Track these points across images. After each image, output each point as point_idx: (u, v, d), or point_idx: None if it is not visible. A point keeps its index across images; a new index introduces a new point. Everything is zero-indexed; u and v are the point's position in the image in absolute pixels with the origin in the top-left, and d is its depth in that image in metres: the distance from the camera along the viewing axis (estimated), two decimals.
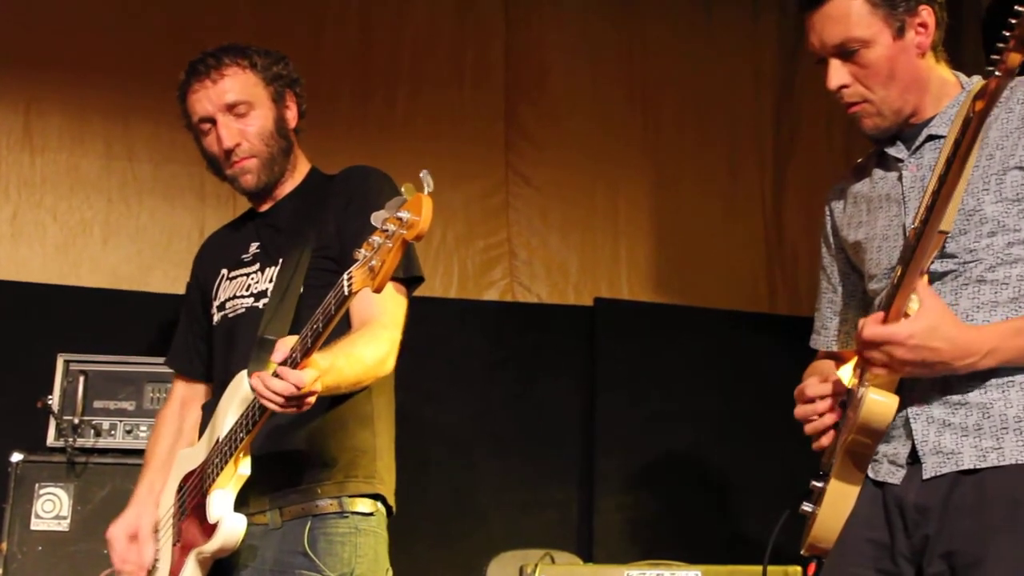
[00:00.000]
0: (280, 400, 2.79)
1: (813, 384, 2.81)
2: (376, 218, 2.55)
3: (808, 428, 2.81)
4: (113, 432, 4.50)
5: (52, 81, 5.36)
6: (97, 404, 4.53)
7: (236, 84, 3.35)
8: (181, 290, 5.03)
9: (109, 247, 5.33)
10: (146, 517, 3.40)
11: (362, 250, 2.60)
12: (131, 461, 4.36)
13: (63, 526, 4.38)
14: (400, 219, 2.48)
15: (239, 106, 3.34)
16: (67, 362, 4.55)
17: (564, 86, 5.90)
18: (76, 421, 4.46)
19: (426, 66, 5.78)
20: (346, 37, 5.71)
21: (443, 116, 5.75)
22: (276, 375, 2.80)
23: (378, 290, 2.60)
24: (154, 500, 3.43)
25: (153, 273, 5.28)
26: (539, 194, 5.80)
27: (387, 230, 2.51)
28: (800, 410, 2.83)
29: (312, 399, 2.84)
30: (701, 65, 6.01)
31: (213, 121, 3.35)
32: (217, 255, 3.59)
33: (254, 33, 5.29)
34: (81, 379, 4.51)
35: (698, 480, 5.50)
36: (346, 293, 2.67)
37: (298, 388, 2.77)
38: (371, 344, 3.07)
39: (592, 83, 5.94)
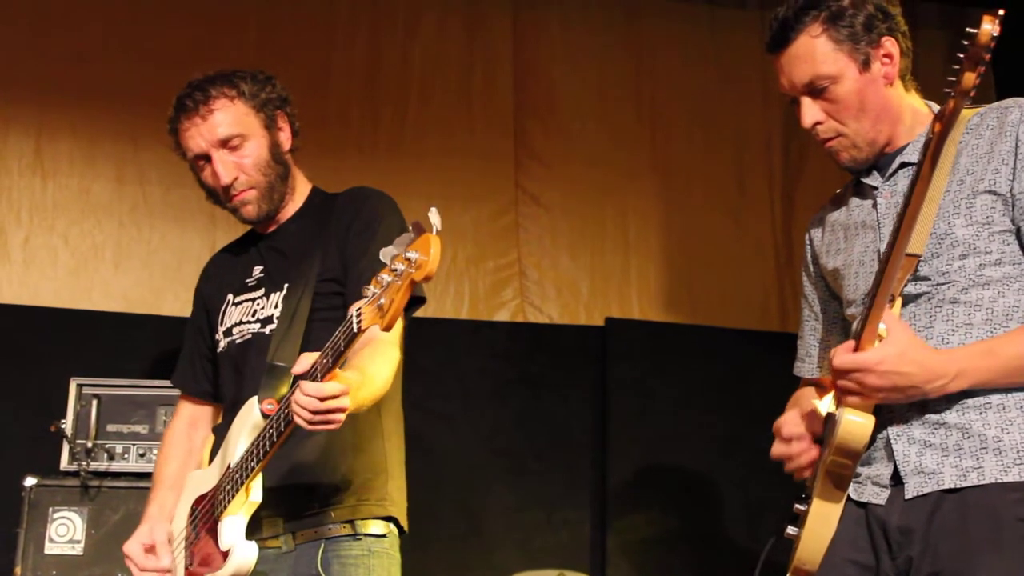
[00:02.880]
0: (307, 415, 2.78)
1: (790, 424, 2.86)
2: (385, 254, 2.56)
3: (787, 468, 2.87)
4: (126, 456, 4.50)
5: (63, 106, 5.38)
6: (110, 428, 4.53)
7: (227, 117, 3.33)
8: None
9: (120, 271, 5.33)
10: (159, 531, 3.40)
11: (371, 287, 2.61)
12: (144, 485, 4.34)
13: (77, 550, 4.38)
14: (408, 259, 2.49)
15: (232, 140, 3.32)
16: (80, 386, 4.55)
17: (573, 105, 5.91)
18: (89, 445, 4.47)
19: (435, 87, 5.80)
20: (355, 59, 5.74)
21: (453, 137, 5.77)
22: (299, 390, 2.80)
23: (387, 329, 2.60)
24: (166, 517, 3.43)
25: (164, 296, 5.28)
26: (549, 214, 5.81)
27: (396, 269, 2.52)
28: (776, 449, 2.88)
29: (341, 416, 2.81)
30: (709, 83, 6.03)
31: (208, 157, 3.34)
32: (222, 278, 3.59)
33: (263, 55, 5.34)
34: (94, 403, 4.51)
35: (711, 499, 5.49)
36: (355, 330, 2.68)
37: (320, 399, 2.75)
38: (384, 363, 3.08)
39: (600, 102, 5.95)
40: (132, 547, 3.39)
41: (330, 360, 2.76)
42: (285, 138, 3.45)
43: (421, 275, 2.48)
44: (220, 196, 3.40)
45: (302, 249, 3.37)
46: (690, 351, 5.67)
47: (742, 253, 5.91)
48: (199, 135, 3.33)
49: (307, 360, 2.82)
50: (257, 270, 3.47)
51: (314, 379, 2.78)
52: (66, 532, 4.38)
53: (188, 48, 5.39)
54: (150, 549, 3.38)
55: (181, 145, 3.40)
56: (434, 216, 2.48)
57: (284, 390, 3.07)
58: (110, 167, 5.40)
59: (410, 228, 2.53)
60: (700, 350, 5.68)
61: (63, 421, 4.49)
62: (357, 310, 2.66)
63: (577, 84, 5.93)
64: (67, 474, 4.47)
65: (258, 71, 3.46)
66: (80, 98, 5.39)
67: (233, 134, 3.32)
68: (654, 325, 5.75)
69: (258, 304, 3.40)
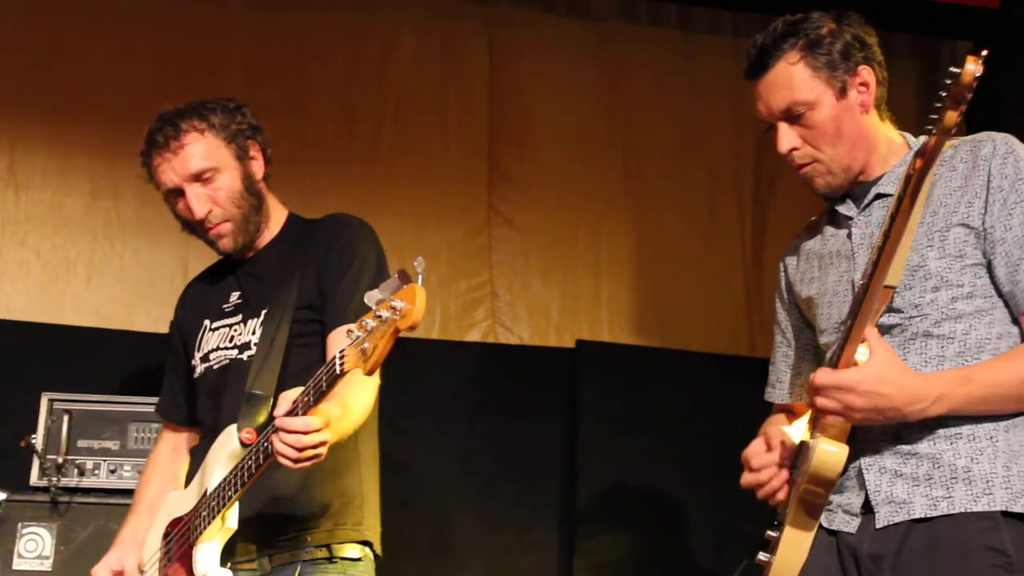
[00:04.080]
0: (293, 453, 2.81)
1: (757, 455, 2.87)
2: (370, 298, 2.58)
3: (760, 494, 2.88)
4: (97, 472, 4.47)
5: (37, 119, 5.37)
6: (81, 443, 4.50)
7: (198, 151, 3.34)
8: (165, 329, 5.01)
9: (92, 286, 5.31)
10: (129, 558, 3.42)
11: (354, 329, 2.63)
12: (115, 501, 4.38)
13: (46, 566, 4.35)
14: (394, 307, 2.51)
15: (205, 173, 3.34)
16: (51, 401, 4.52)
17: (547, 128, 5.93)
18: (60, 460, 4.43)
19: (410, 107, 5.82)
20: (332, 77, 5.74)
21: (427, 157, 5.78)
22: (279, 429, 2.82)
23: (369, 373, 2.64)
24: (138, 543, 3.44)
25: (136, 312, 5.27)
26: (521, 236, 5.83)
27: (381, 315, 2.55)
28: (746, 479, 2.90)
29: (323, 450, 2.85)
30: (682, 109, 6.06)
31: (181, 191, 3.35)
32: (199, 304, 3.61)
33: (241, 72, 5.36)
34: (65, 418, 4.48)
35: (678, 522, 5.51)
36: (338, 372, 2.71)
37: (305, 433, 2.79)
38: (364, 391, 3.12)
39: (575, 125, 5.97)
40: (100, 573, 3.42)
41: (312, 400, 2.79)
42: (258, 167, 3.46)
43: (406, 324, 2.52)
44: (195, 228, 3.42)
45: (280, 276, 3.39)
46: (660, 374, 5.69)
47: (713, 277, 5.95)
48: (171, 170, 3.35)
49: (288, 400, 2.84)
50: (234, 296, 3.49)
51: (296, 416, 2.81)
52: (35, 548, 4.35)
53: (166, 64, 5.40)
54: (119, 575, 3.40)
55: (154, 179, 3.42)
56: (420, 266, 2.52)
57: (263, 418, 3.10)
58: (84, 181, 5.38)
59: (396, 275, 2.55)
60: (670, 373, 5.69)
61: (33, 436, 4.45)
62: (340, 352, 2.69)
63: (551, 107, 5.95)
64: (37, 489, 4.44)
65: (228, 100, 3.47)
66: (55, 112, 5.37)
67: (205, 168, 3.34)
68: (625, 348, 5.77)
69: (235, 330, 3.42)
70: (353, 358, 2.64)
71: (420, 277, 2.52)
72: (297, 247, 3.43)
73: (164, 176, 3.36)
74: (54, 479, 4.42)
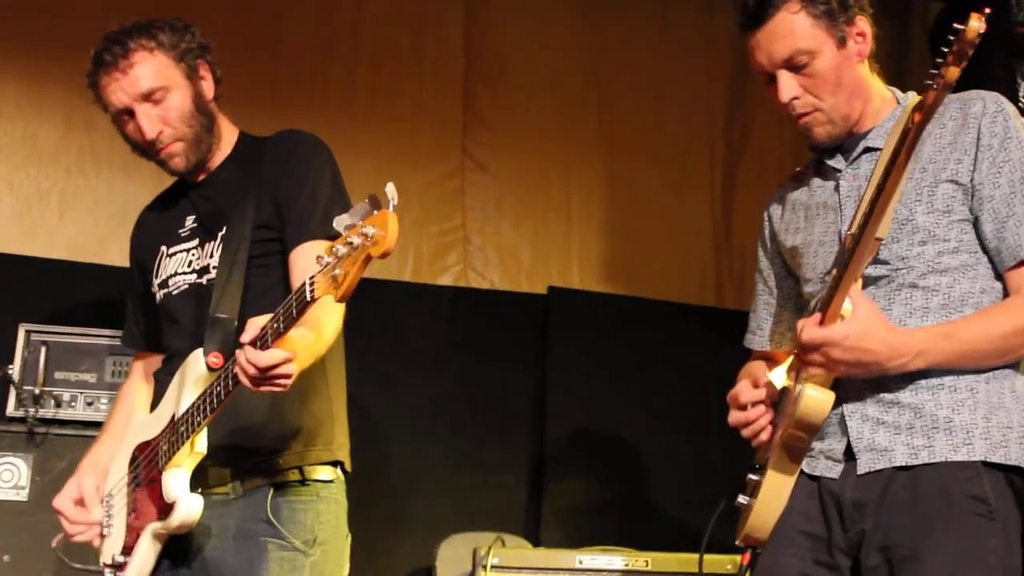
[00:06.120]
0: (249, 384, 2.80)
1: (746, 390, 2.92)
2: (339, 223, 2.54)
3: (746, 432, 2.92)
4: (74, 404, 4.49)
5: (11, 49, 5.30)
6: (58, 375, 4.51)
7: (147, 70, 3.27)
8: None
9: (66, 218, 5.28)
10: (87, 483, 3.40)
11: (324, 256, 2.59)
12: (91, 433, 4.32)
13: (21, 496, 4.37)
14: (366, 234, 2.47)
15: (155, 92, 3.27)
16: (28, 332, 4.52)
17: (522, 73, 5.94)
18: (37, 391, 4.44)
19: (386, 48, 5.80)
20: (307, 18, 5.72)
21: (402, 99, 5.78)
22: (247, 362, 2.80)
23: (341, 300, 2.60)
24: (98, 470, 3.43)
25: (110, 246, 5.20)
26: (494, 181, 5.85)
27: (352, 241, 2.50)
28: (734, 416, 2.94)
29: (288, 381, 2.83)
30: (657, 58, 6.07)
31: (131, 112, 3.29)
32: (154, 231, 3.57)
33: (215, 13, 5.29)
34: (43, 350, 4.49)
35: (643, 468, 5.57)
36: (308, 299, 2.67)
37: (265, 368, 2.77)
38: (334, 314, 3.07)
39: (549, 72, 5.98)
40: (62, 502, 3.40)
41: (281, 326, 2.76)
42: (208, 87, 3.40)
43: (379, 251, 2.47)
44: (146, 150, 3.36)
45: (234, 196, 3.34)
46: (629, 322, 5.75)
47: (682, 227, 6.00)
48: (120, 90, 3.28)
49: (256, 327, 2.81)
50: (189, 220, 3.45)
51: (264, 344, 2.78)
52: (11, 478, 4.36)
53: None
54: (79, 502, 3.39)
55: (102, 100, 3.36)
56: (391, 191, 2.46)
57: (228, 342, 3.09)
58: (58, 113, 5.32)
59: (367, 199, 2.50)
60: (638, 322, 5.76)
61: (10, 366, 4.46)
62: (311, 279, 2.65)
63: (528, 53, 5.95)
64: (13, 420, 4.45)
65: (176, 19, 3.40)
66: (29, 42, 5.30)
67: (155, 87, 3.27)
68: (596, 295, 5.82)
69: (193, 254, 3.39)
70: (323, 285, 2.60)
71: (392, 203, 2.46)
72: (249, 165, 3.37)
73: (113, 96, 3.30)
74: (31, 410, 4.43)
